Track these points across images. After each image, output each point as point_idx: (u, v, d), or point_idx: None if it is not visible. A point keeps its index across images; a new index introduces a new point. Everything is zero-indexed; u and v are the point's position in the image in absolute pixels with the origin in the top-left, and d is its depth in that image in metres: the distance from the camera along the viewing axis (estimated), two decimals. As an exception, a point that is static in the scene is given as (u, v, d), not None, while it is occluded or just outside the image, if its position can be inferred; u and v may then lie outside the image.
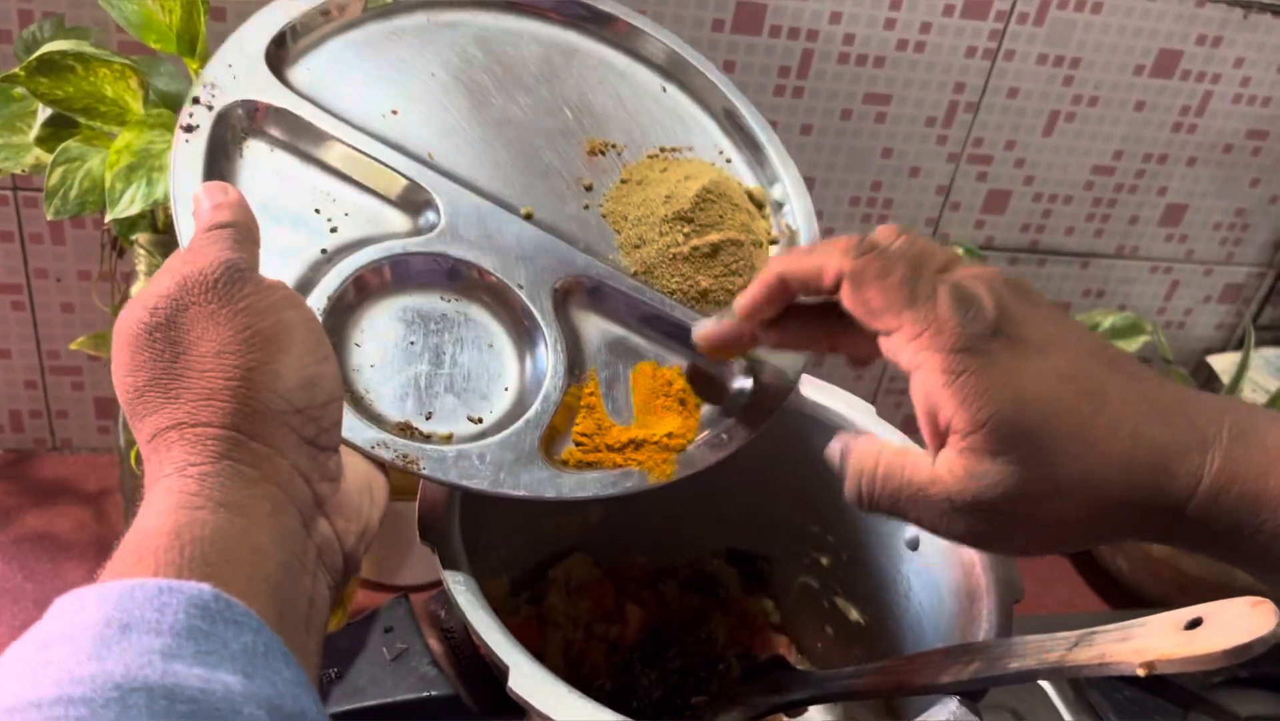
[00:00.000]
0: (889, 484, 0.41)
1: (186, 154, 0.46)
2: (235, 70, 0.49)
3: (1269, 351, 1.01)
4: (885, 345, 0.42)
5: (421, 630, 0.46)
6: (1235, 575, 0.73)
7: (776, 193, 0.59)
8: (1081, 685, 0.77)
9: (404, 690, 0.44)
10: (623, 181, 0.55)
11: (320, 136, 0.49)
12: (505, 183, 0.53)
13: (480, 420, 0.48)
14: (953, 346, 0.39)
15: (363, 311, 0.48)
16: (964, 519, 0.39)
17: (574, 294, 0.52)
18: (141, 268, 0.62)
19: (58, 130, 0.57)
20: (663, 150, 0.57)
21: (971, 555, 0.53)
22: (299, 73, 0.51)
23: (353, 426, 0.44)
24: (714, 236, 0.53)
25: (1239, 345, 1.04)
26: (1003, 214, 0.93)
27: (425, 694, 0.44)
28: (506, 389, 0.49)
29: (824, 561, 0.65)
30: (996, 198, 0.92)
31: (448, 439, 0.47)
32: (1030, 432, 0.37)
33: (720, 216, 0.53)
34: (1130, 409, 0.39)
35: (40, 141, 0.58)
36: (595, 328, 0.52)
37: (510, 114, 0.55)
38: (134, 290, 0.64)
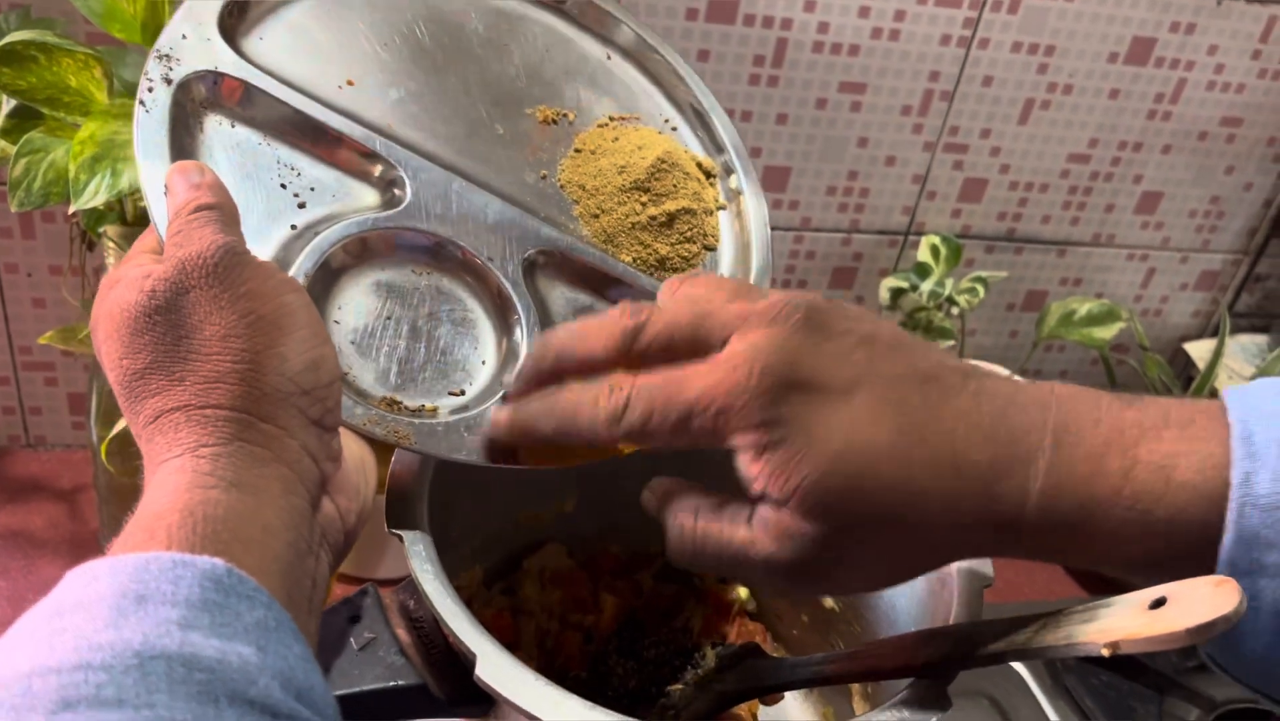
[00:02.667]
0: (709, 545, 0.40)
1: (148, 130, 0.45)
2: (190, 41, 0.48)
3: (1244, 338, 1.02)
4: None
5: (389, 620, 0.46)
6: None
7: (720, 161, 0.60)
8: (1058, 670, 0.78)
9: (370, 680, 0.44)
10: (576, 151, 0.56)
11: (279, 108, 0.49)
12: (464, 154, 0.53)
13: (462, 392, 0.48)
14: (750, 422, 0.38)
15: (337, 288, 0.48)
16: (785, 575, 0.39)
17: (541, 265, 0.52)
18: (111, 260, 0.62)
19: (22, 121, 0.57)
20: (612, 119, 0.58)
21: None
22: (253, 42, 0.50)
23: (344, 405, 0.44)
24: (670, 205, 0.54)
25: (1215, 332, 1.05)
26: (979, 202, 0.94)
27: (392, 683, 0.44)
28: (484, 361, 0.49)
29: (799, 549, 0.65)
30: (973, 186, 0.92)
31: (433, 413, 0.47)
32: (843, 492, 0.37)
33: (674, 186, 0.54)
34: (948, 433, 0.38)
35: (4, 133, 0.57)
36: (563, 297, 0.53)
37: (463, 84, 0.55)
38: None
